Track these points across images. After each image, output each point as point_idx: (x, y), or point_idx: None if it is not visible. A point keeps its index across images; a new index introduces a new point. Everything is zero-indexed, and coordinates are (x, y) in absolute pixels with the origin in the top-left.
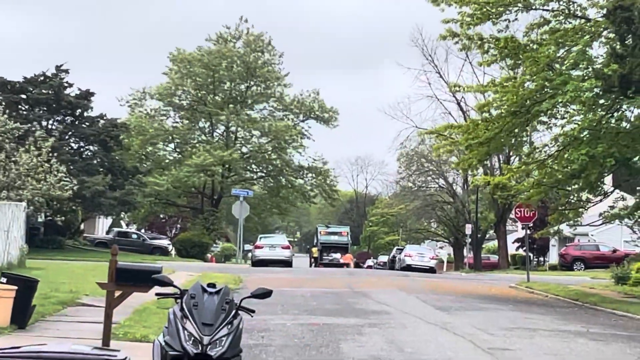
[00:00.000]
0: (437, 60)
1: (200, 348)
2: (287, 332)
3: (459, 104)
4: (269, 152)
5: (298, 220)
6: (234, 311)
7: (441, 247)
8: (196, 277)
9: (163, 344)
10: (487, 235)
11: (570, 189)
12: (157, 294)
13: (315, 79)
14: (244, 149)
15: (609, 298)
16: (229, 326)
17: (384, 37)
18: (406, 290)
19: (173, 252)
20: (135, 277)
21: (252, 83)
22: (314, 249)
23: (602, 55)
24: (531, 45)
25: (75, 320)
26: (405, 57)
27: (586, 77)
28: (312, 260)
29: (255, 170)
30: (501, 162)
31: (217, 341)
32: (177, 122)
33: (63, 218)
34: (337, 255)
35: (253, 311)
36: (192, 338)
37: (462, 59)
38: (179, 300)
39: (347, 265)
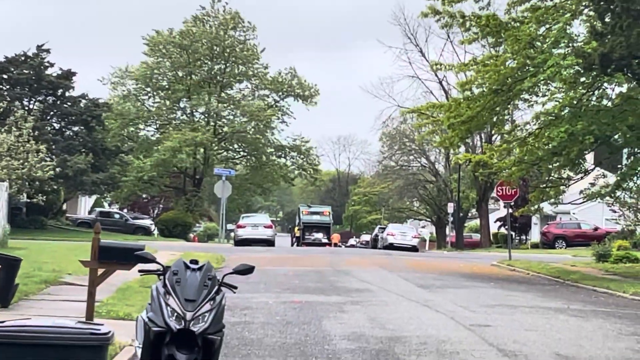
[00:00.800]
0: (418, 40)
1: (183, 324)
2: (269, 309)
3: (440, 82)
4: (250, 132)
5: (280, 200)
6: (216, 287)
7: (423, 227)
8: (179, 256)
9: (146, 320)
10: (470, 214)
11: (551, 166)
12: (140, 271)
13: (294, 59)
14: (225, 129)
15: (590, 275)
16: (212, 302)
17: (365, 16)
18: (388, 268)
19: (156, 232)
20: (118, 255)
21: (230, 62)
22: (296, 229)
23: (583, 34)
24: (513, 23)
25: (58, 299)
26: (387, 36)
27: (567, 55)
28: (295, 239)
29: (237, 149)
30: (483, 140)
31: (200, 317)
32: (157, 102)
33: (45, 198)
34: (320, 235)
35: (235, 287)
36: (175, 314)
37: (443, 38)
38: (161, 277)
39: (336, 244)
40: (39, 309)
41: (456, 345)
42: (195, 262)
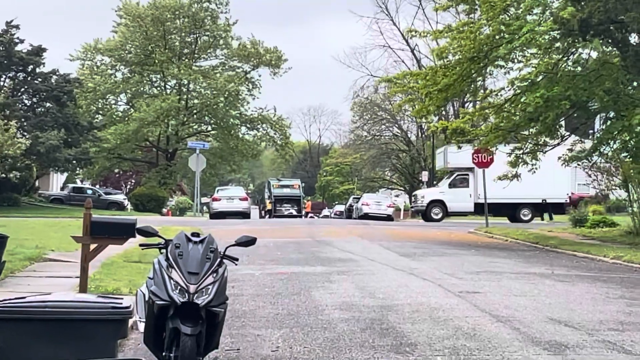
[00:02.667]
0: (389, 9)
1: (187, 297)
2: (256, 281)
3: (412, 51)
4: (220, 104)
5: (251, 172)
6: (218, 260)
7: (397, 196)
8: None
9: (149, 294)
10: None
11: (527, 133)
12: (141, 245)
13: (263, 31)
14: (196, 101)
15: (569, 240)
16: (215, 274)
17: None
18: (368, 238)
19: (129, 207)
20: (110, 230)
21: (199, 34)
22: (268, 202)
23: (559, 1)
24: None
25: (45, 275)
26: (359, 5)
27: (542, 21)
28: (265, 212)
29: (208, 122)
30: (456, 108)
31: (204, 289)
32: (127, 76)
33: (18, 175)
34: (291, 207)
35: (237, 259)
36: (179, 287)
37: (415, 5)
38: (163, 251)
39: (307, 213)
40: (26, 285)
41: (448, 312)
42: (196, 234)
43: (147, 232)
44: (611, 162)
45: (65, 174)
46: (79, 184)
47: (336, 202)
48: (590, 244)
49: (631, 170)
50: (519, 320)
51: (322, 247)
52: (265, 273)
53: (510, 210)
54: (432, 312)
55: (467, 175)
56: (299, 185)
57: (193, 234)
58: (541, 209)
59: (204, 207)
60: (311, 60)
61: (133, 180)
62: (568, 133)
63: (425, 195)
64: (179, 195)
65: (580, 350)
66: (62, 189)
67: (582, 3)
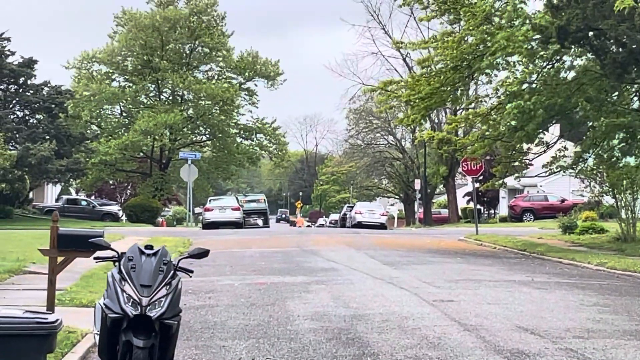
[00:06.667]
0: (381, 17)
1: (139, 309)
2: (234, 292)
3: (404, 59)
4: (215, 114)
5: (250, 182)
6: (172, 272)
7: (392, 204)
8: (146, 241)
9: (103, 307)
10: (438, 190)
11: (511, 142)
12: (95, 258)
13: (257, 40)
14: (191, 111)
15: (556, 247)
16: (168, 287)
17: None
18: (355, 246)
19: (124, 218)
20: (77, 242)
21: (196, 44)
22: None
23: (539, 11)
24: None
25: (22, 289)
26: (351, 14)
27: (521, 26)
28: None
29: (203, 132)
30: (446, 116)
31: (156, 302)
32: (124, 84)
33: (9, 187)
34: (258, 219)
35: (191, 271)
36: (131, 300)
37: (407, 14)
38: (117, 264)
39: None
40: (1, 298)
41: (418, 321)
42: (150, 247)
43: (100, 246)
44: (597, 170)
45: (60, 186)
46: (73, 196)
47: (332, 211)
48: (577, 250)
49: (614, 177)
50: (486, 328)
51: (308, 256)
52: (245, 283)
53: None
54: (401, 322)
55: None
56: (264, 200)
57: (147, 247)
58: None
59: (199, 217)
60: (306, 69)
61: (129, 192)
62: (555, 139)
63: None
64: (175, 205)
65: (540, 359)
66: (56, 200)
67: (560, 10)
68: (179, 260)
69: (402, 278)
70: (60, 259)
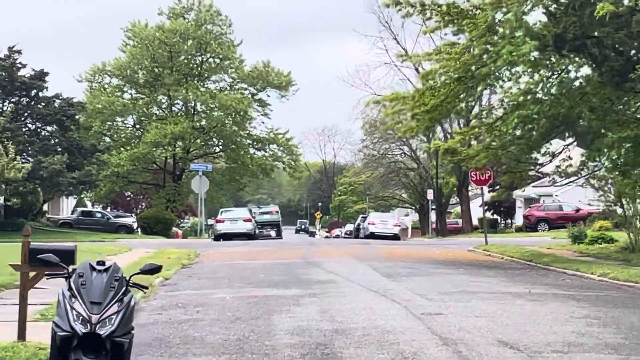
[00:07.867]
0: (393, 26)
1: (89, 327)
2: (224, 305)
3: (417, 69)
4: (228, 125)
5: (270, 192)
6: (124, 288)
7: (406, 215)
8: (152, 253)
9: (53, 325)
10: (453, 200)
11: (516, 152)
12: (46, 274)
13: (271, 52)
14: (203, 122)
15: (563, 257)
16: (119, 304)
17: (341, 5)
18: (360, 258)
19: (138, 230)
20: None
21: (208, 56)
22: None
23: (540, 21)
24: (473, 10)
25: (10, 303)
26: (364, 25)
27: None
28: None
29: (216, 143)
30: (462, 126)
31: (107, 319)
32: (136, 96)
33: (20, 200)
34: (271, 231)
35: (146, 287)
36: (81, 317)
37: (419, 24)
38: (68, 280)
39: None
40: None
41: (399, 335)
42: (102, 263)
43: (48, 262)
44: (604, 179)
45: (75, 198)
46: (88, 208)
47: (349, 222)
48: (583, 260)
49: (624, 187)
50: (466, 343)
51: (310, 268)
52: (236, 297)
53: None
54: (382, 336)
55: None
56: (277, 211)
57: (98, 262)
58: None
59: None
60: (320, 80)
61: (144, 203)
62: (560, 149)
63: None
64: (191, 217)
65: None
66: (72, 213)
67: (557, 17)
68: (131, 276)
69: (397, 290)
70: (32, 274)
